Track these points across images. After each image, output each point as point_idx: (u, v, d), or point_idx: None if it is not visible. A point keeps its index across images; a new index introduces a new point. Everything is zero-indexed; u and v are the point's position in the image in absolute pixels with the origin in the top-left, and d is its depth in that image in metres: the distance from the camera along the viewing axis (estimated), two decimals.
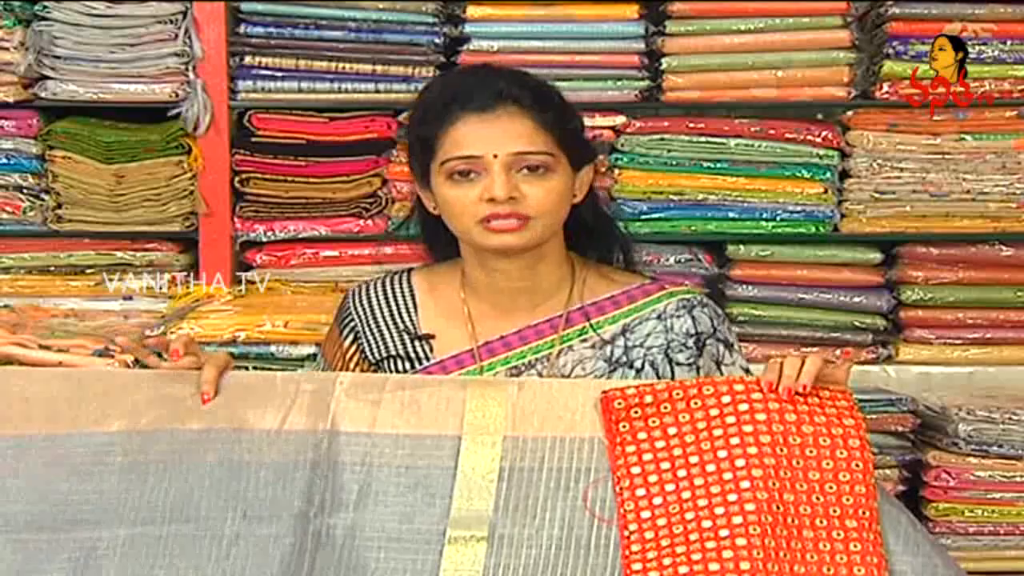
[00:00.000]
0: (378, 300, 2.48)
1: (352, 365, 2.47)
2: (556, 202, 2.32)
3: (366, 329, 2.46)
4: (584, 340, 2.40)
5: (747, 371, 2.41)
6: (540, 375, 2.37)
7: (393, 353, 2.44)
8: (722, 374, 2.38)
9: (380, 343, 2.45)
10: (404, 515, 2.12)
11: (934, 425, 3.53)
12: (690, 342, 2.39)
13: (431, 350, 2.42)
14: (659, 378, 2.36)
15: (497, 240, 2.30)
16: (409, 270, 2.52)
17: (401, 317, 2.45)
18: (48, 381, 2.24)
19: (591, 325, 2.40)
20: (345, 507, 2.14)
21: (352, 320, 2.48)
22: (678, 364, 2.38)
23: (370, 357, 2.46)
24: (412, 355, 2.43)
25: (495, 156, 2.28)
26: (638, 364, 2.38)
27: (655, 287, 2.45)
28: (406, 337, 2.44)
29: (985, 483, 3.46)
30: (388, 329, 2.45)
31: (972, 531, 3.48)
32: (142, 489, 2.14)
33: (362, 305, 2.48)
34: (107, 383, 2.23)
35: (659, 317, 2.40)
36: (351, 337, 2.48)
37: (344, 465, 2.16)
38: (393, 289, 2.49)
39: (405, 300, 2.47)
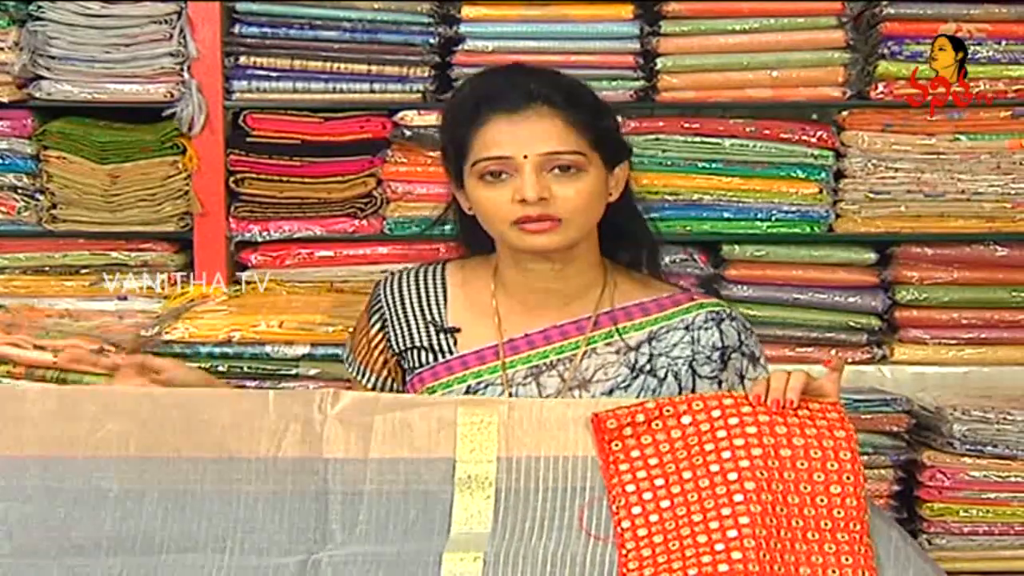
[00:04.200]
0: (409, 290, 2.49)
1: (377, 353, 2.49)
2: (588, 202, 2.31)
3: (394, 318, 2.47)
4: (609, 344, 2.40)
5: None
6: (561, 376, 2.38)
7: (418, 344, 2.45)
8: (745, 388, 2.37)
9: (406, 333, 2.46)
10: (401, 539, 2.12)
11: (929, 425, 3.54)
12: (715, 355, 2.39)
13: (455, 343, 2.43)
14: (681, 389, 2.36)
15: (531, 241, 2.30)
16: (444, 262, 2.53)
17: (430, 309, 2.46)
18: (40, 401, 2.22)
19: (617, 330, 2.40)
20: (343, 534, 2.14)
21: (381, 308, 2.49)
22: (701, 377, 2.38)
23: (395, 346, 2.47)
24: (436, 347, 2.44)
25: (525, 157, 2.27)
26: (661, 373, 2.38)
27: (685, 297, 2.45)
28: (432, 329, 2.45)
29: (980, 483, 3.47)
30: (415, 319, 2.46)
31: (967, 531, 3.48)
32: (138, 518, 2.14)
33: (392, 294, 2.49)
34: (99, 403, 2.21)
35: (687, 328, 2.40)
36: (379, 325, 2.49)
37: (340, 493, 2.16)
38: (426, 280, 2.50)
39: (436, 292, 2.48)
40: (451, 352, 2.43)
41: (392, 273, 2.53)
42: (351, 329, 2.63)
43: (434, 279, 2.50)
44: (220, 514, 2.15)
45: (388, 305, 2.49)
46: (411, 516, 2.14)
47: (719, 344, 2.40)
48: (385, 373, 2.50)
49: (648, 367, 2.38)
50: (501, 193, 2.29)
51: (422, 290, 2.49)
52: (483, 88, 2.38)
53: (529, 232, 2.29)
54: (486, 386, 2.39)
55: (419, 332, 2.46)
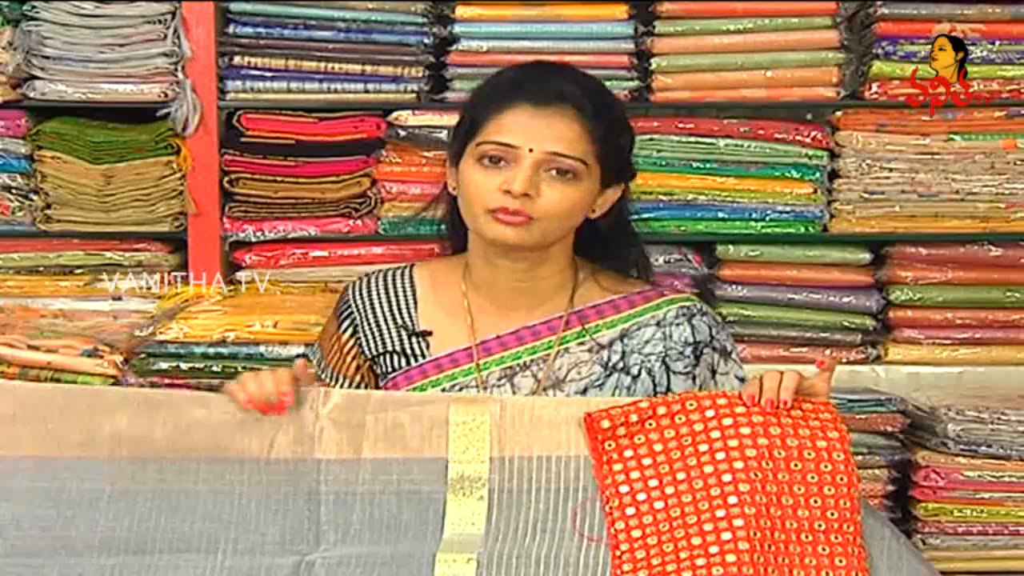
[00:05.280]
0: (378, 294, 2.47)
1: (349, 359, 2.48)
2: (568, 210, 2.31)
3: (364, 323, 2.46)
4: (582, 343, 2.39)
5: (743, 380, 2.41)
6: (535, 377, 2.37)
7: (390, 348, 2.44)
8: (716, 383, 2.39)
9: (377, 337, 2.45)
10: (394, 540, 2.13)
11: (923, 425, 3.54)
12: (688, 351, 2.39)
13: (428, 347, 2.42)
14: (655, 385, 2.36)
15: (498, 232, 2.29)
16: (411, 264, 2.52)
17: (400, 312, 2.45)
18: (33, 400, 2.22)
19: (586, 329, 2.39)
20: (336, 535, 2.15)
21: (351, 313, 2.48)
22: (675, 373, 2.38)
23: (366, 351, 2.46)
24: (409, 351, 2.42)
25: (531, 151, 2.27)
26: (634, 371, 2.38)
27: (655, 293, 2.45)
28: (404, 333, 2.44)
29: (974, 483, 3.46)
30: (386, 324, 2.45)
31: (961, 531, 3.48)
32: (131, 518, 2.14)
33: (362, 298, 2.48)
34: (92, 403, 2.21)
35: (658, 324, 2.40)
36: (350, 330, 2.48)
37: (333, 494, 2.17)
38: (394, 283, 2.48)
39: (405, 295, 2.47)
40: (423, 356, 2.42)
41: (360, 277, 2.52)
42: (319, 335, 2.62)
43: (403, 282, 2.48)
44: (213, 515, 2.15)
45: (358, 309, 2.47)
46: (404, 517, 2.15)
47: (691, 339, 2.39)
48: (358, 378, 2.48)
49: (621, 364, 2.38)
50: (491, 179, 2.28)
51: (391, 293, 2.48)
52: (520, 76, 2.37)
53: (500, 223, 2.28)
54: (460, 389, 2.37)
55: (390, 336, 2.45)
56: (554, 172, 2.28)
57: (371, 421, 2.20)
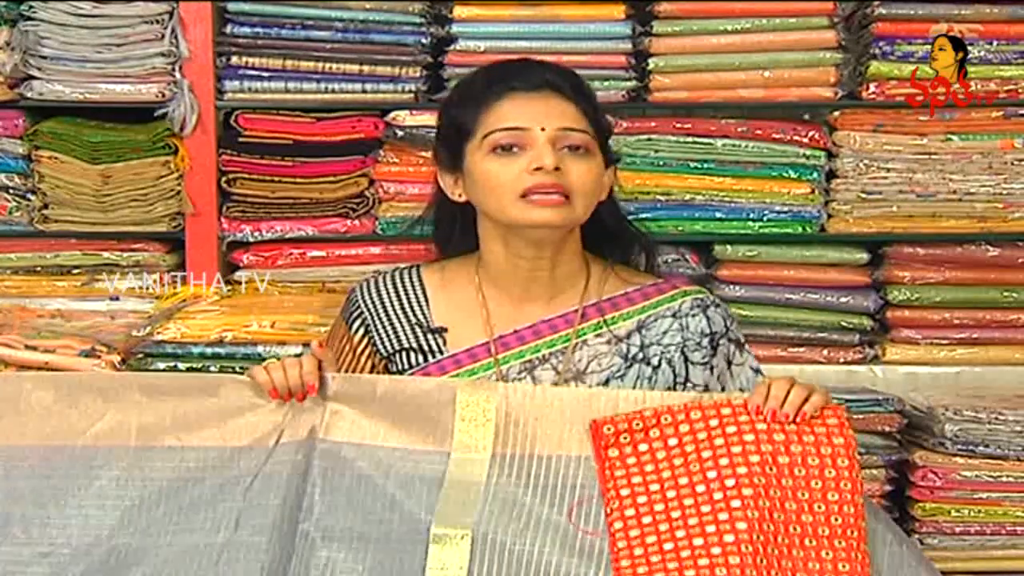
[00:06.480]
0: (388, 293, 2.49)
1: (364, 359, 2.48)
2: (594, 184, 2.36)
3: (377, 322, 2.47)
4: (599, 335, 2.42)
5: (756, 371, 2.45)
6: (556, 369, 2.39)
7: (407, 346, 2.44)
8: (733, 374, 2.42)
9: (392, 336, 2.46)
10: (390, 523, 2.15)
11: (921, 425, 3.54)
12: (705, 341, 2.42)
13: (444, 343, 2.43)
14: (675, 375, 2.39)
15: (536, 214, 2.31)
16: (417, 265, 2.53)
17: (413, 310, 2.46)
18: (39, 390, 2.24)
19: (605, 321, 2.41)
20: (331, 512, 2.16)
21: (362, 313, 2.48)
22: (693, 364, 2.40)
23: (382, 350, 2.46)
24: (426, 348, 2.43)
25: (543, 129, 2.31)
26: (655, 361, 2.40)
27: (668, 286, 2.48)
28: (419, 330, 2.45)
29: (971, 483, 3.46)
30: (400, 322, 2.46)
31: (959, 531, 3.48)
32: (139, 508, 2.18)
33: (371, 298, 2.49)
34: (96, 392, 2.24)
35: (675, 315, 2.43)
36: (362, 330, 2.48)
37: (333, 473, 2.20)
38: (403, 282, 2.50)
39: (416, 293, 2.48)
40: (441, 352, 2.43)
41: (366, 278, 2.53)
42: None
43: (411, 280, 2.50)
44: (219, 499, 2.19)
45: (369, 309, 2.48)
46: (403, 503, 2.16)
47: (707, 330, 2.43)
48: None
49: (641, 355, 2.40)
50: (511, 166, 2.31)
51: (401, 292, 2.49)
52: (497, 73, 2.42)
53: (536, 205, 2.30)
54: None
55: (405, 334, 2.45)
56: (567, 149, 2.32)
57: (379, 411, 2.22)
